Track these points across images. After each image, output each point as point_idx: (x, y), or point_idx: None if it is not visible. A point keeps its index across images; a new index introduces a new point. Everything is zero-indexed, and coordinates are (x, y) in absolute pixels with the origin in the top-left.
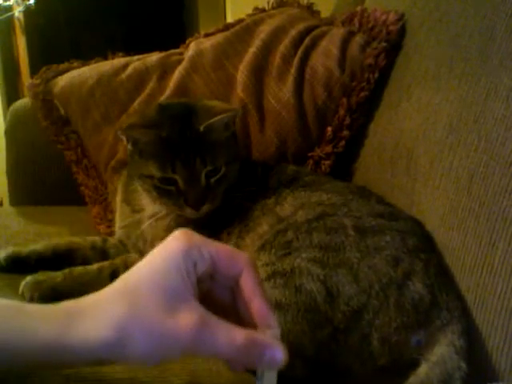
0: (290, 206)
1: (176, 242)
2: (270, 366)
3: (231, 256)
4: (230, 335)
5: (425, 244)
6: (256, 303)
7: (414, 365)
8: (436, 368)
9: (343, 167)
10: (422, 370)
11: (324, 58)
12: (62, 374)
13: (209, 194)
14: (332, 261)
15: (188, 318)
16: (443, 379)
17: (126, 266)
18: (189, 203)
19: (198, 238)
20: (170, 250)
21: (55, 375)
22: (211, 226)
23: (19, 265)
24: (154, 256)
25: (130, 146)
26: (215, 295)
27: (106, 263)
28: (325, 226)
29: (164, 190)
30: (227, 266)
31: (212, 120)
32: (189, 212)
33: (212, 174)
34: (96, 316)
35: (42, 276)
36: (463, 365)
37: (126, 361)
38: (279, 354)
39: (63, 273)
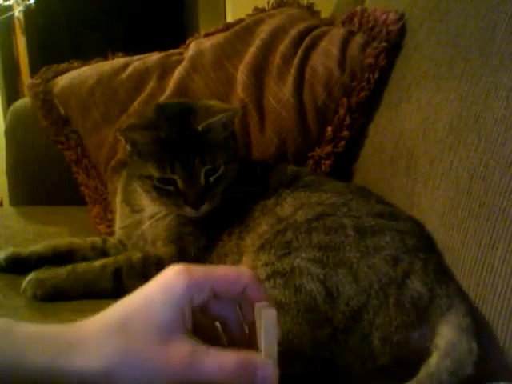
0: (289, 206)
1: (175, 279)
2: None
3: (232, 280)
4: (220, 361)
5: (424, 244)
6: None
7: (422, 357)
8: (446, 358)
9: (343, 167)
10: (432, 361)
11: (324, 57)
12: None
13: (208, 193)
14: (332, 261)
15: (178, 350)
16: (455, 369)
17: (130, 264)
18: (188, 203)
19: (197, 274)
20: (168, 287)
21: None
22: (211, 227)
23: (19, 265)
24: (151, 290)
25: (128, 147)
26: (218, 312)
27: (109, 260)
28: (324, 225)
29: (163, 190)
30: (228, 290)
31: (210, 120)
32: (188, 211)
33: (211, 173)
34: (87, 348)
35: (44, 274)
36: (474, 345)
37: None
38: (270, 372)
39: (66, 270)
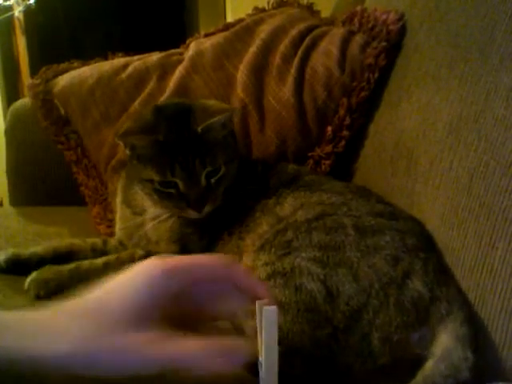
0: (289, 205)
1: (151, 267)
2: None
3: (212, 267)
4: (183, 347)
5: (424, 243)
6: (247, 283)
7: (420, 361)
8: (441, 363)
9: (343, 167)
10: (428, 365)
11: (324, 57)
12: None
13: (210, 195)
14: (332, 260)
15: (143, 337)
16: (449, 373)
17: (133, 261)
18: (191, 205)
19: (173, 262)
20: (144, 274)
21: None
22: (212, 227)
23: (19, 267)
24: (127, 277)
25: (127, 151)
26: (202, 300)
27: (112, 258)
28: (324, 225)
29: (165, 193)
30: (208, 276)
31: (210, 121)
32: (191, 214)
33: (212, 174)
34: (52, 332)
35: (47, 273)
36: (469, 354)
37: (91, 373)
38: (239, 357)
39: (69, 269)
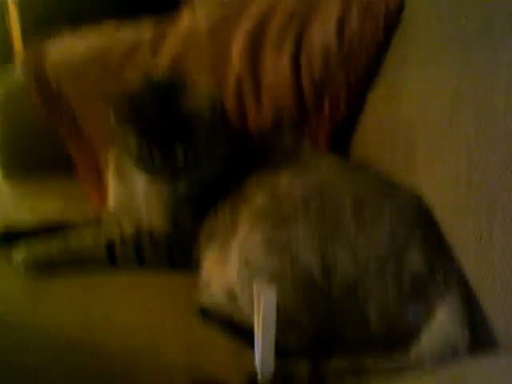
0: (286, 180)
1: None
2: None
3: None
4: None
5: (423, 218)
6: None
7: (416, 334)
8: (436, 338)
9: (341, 145)
10: (423, 340)
11: (321, 31)
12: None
13: (186, 173)
14: (329, 233)
15: None
16: (445, 348)
17: (122, 236)
18: (165, 180)
19: None
20: None
21: None
22: (205, 199)
23: (12, 239)
24: None
25: (112, 120)
26: None
27: (101, 235)
28: (322, 200)
29: (142, 163)
30: None
31: (196, 104)
32: (166, 188)
33: (191, 155)
34: None
35: (35, 248)
36: (466, 332)
37: None
38: None
39: (58, 245)
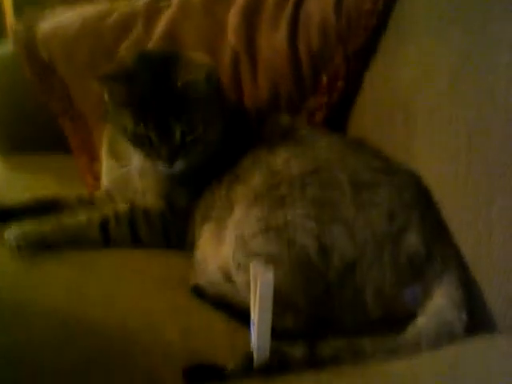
0: (282, 158)
1: None
2: None
3: None
4: None
5: (421, 198)
6: None
7: (412, 317)
8: (433, 320)
9: (338, 120)
10: (420, 322)
11: (319, 4)
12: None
13: (183, 152)
14: (326, 216)
15: None
16: (442, 330)
17: (116, 216)
18: (161, 159)
19: None
20: None
21: None
22: (201, 179)
23: (3, 216)
24: None
25: (106, 95)
26: None
27: (95, 213)
28: (319, 180)
29: (138, 142)
30: None
31: (190, 77)
32: (161, 167)
33: (188, 132)
34: None
35: (27, 226)
36: (463, 315)
37: None
38: None
39: (51, 223)
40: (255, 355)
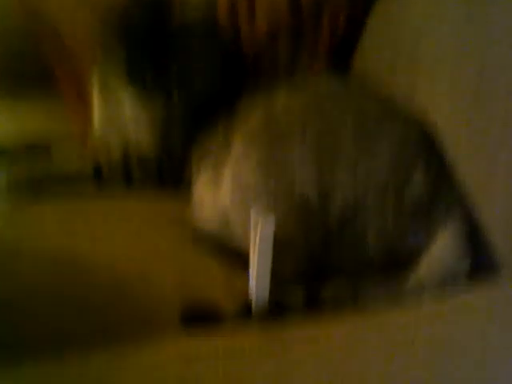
0: (282, 98)
1: None
2: None
3: None
4: None
5: (427, 138)
6: None
7: (413, 262)
8: (436, 260)
9: (339, 66)
10: (422, 265)
11: None
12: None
13: (180, 82)
14: (328, 156)
15: None
16: (444, 273)
17: (109, 157)
18: (157, 100)
19: None
20: None
21: None
22: (197, 119)
23: None
24: None
25: (98, 34)
26: None
27: (86, 154)
28: (321, 117)
29: (132, 82)
30: None
31: (187, 17)
32: (156, 107)
33: (185, 72)
34: None
35: (18, 168)
36: (466, 258)
37: None
38: None
39: (41, 165)
40: (254, 301)
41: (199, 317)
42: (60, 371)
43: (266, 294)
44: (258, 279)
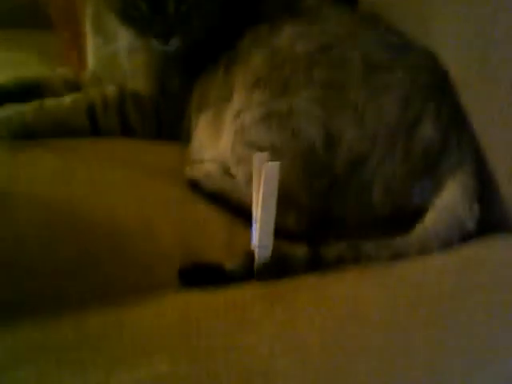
0: (287, 35)
1: None
2: None
3: None
4: None
5: (438, 81)
6: None
7: (420, 215)
8: (444, 213)
9: None
10: (429, 217)
11: None
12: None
13: (179, 25)
14: (335, 101)
15: None
16: (453, 224)
17: (104, 100)
18: (155, 34)
19: None
20: None
21: None
22: (195, 60)
23: None
24: None
25: None
26: None
27: (80, 96)
28: (328, 59)
29: (128, 16)
30: None
31: None
32: (155, 44)
33: (184, 6)
34: None
35: (9, 111)
36: (475, 206)
37: None
38: None
39: (33, 107)
40: (256, 254)
41: (199, 275)
42: (58, 328)
43: (269, 245)
44: (261, 229)
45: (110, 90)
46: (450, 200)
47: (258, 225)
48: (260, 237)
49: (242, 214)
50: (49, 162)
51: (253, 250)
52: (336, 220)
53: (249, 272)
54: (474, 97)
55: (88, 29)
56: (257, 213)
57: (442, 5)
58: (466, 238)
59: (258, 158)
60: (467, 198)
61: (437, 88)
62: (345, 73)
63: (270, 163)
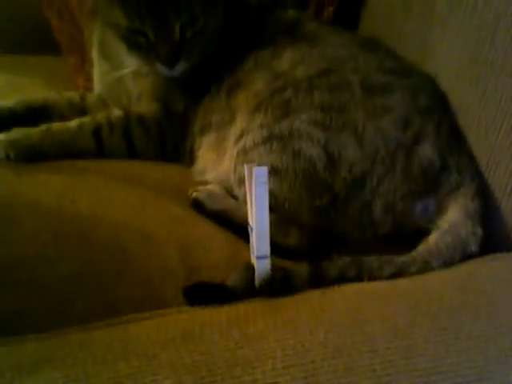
0: (288, 59)
1: None
2: None
3: None
4: None
5: (437, 103)
6: None
7: (423, 233)
8: (447, 235)
9: (348, 14)
10: (432, 237)
11: None
12: None
13: (184, 50)
14: (335, 123)
15: None
16: (456, 246)
17: (110, 122)
18: (161, 60)
19: None
20: None
21: None
22: (199, 83)
23: None
24: None
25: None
26: None
27: (86, 119)
28: (328, 83)
29: (134, 43)
30: None
31: None
32: (161, 69)
33: (188, 26)
34: None
35: (16, 134)
36: (478, 229)
37: None
38: None
39: (40, 130)
40: (256, 267)
41: (203, 294)
42: (63, 343)
43: (267, 250)
44: (258, 238)
45: (116, 112)
46: (452, 221)
47: (254, 234)
48: (258, 247)
49: (245, 233)
50: (55, 183)
51: (252, 263)
52: (337, 237)
53: (250, 286)
54: (471, 119)
55: (94, 55)
56: (252, 220)
57: (440, 31)
58: (468, 256)
59: (248, 168)
60: (470, 221)
61: (435, 110)
62: (344, 95)
63: (258, 167)
